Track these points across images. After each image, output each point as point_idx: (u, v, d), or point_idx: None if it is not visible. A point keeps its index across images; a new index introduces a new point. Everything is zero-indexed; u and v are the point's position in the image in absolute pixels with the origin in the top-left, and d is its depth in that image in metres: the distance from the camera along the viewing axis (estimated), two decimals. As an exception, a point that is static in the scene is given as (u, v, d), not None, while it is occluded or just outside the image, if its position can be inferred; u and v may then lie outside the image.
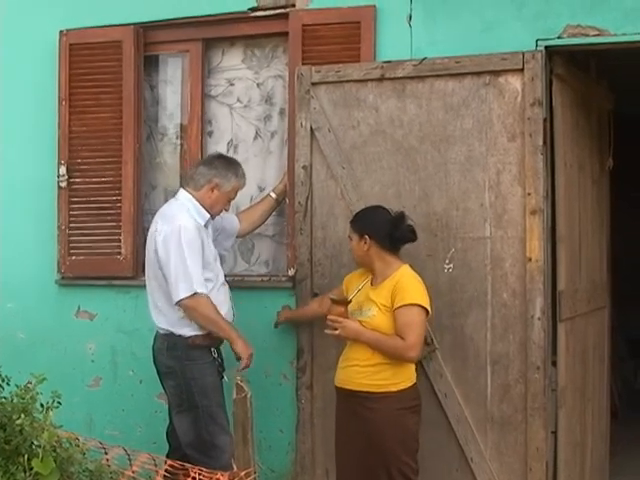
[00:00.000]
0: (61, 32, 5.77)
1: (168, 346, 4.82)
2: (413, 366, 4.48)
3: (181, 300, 4.70)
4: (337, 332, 4.44)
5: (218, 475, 3.38)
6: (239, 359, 4.79)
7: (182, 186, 5.02)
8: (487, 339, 4.78)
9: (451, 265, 4.67)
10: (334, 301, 4.50)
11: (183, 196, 4.91)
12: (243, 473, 3.52)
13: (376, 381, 4.38)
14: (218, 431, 4.77)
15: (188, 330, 4.78)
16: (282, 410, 5.31)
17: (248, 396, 3.65)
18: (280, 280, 5.45)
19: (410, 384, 4.45)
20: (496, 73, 4.79)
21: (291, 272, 5.32)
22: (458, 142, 4.87)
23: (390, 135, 4.99)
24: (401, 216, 4.52)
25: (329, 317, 4.46)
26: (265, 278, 5.55)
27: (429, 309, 4.40)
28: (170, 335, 4.81)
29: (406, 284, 4.40)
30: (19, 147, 5.97)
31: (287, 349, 5.29)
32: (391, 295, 4.37)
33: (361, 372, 4.43)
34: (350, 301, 4.50)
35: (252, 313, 5.33)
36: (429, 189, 4.90)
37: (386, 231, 4.47)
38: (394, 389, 4.38)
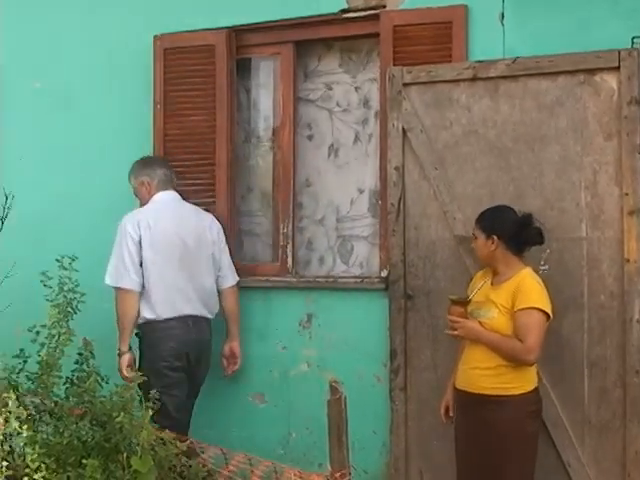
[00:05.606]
0: (155, 37, 5.86)
1: (210, 331, 5.33)
2: (534, 369, 4.36)
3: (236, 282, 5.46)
4: (456, 332, 4.39)
5: (313, 476, 3.40)
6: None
7: (168, 189, 5.41)
8: (584, 341, 4.71)
9: (547, 266, 4.60)
10: (453, 301, 4.43)
11: (179, 197, 5.45)
12: (338, 474, 3.52)
13: (497, 384, 4.28)
14: None
15: None
16: (375, 412, 5.30)
17: (342, 398, 3.64)
18: (373, 282, 5.44)
19: (531, 387, 4.33)
20: (591, 71, 4.73)
21: (384, 273, 5.32)
22: (552, 142, 4.82)
23: (483, 135, 4.96)
24: (529, 217, 4.42)
25: (449, 317, 4.41)
26: (358, 280, 5.55)
27: (549, 313, 4.28)
28: (210, 320, 5.32)
29: (527, 287, 4.30)
30: (116, 150, 6.05)
31: (380, 351, 5.28)
32: (512, 297, 4.28)
33: (482, 375, 4.33)
34: (469, 301, 4.42)
35: (345, 315, 5.37)
36: (523, 189, 4.86)
37: (514, 233, 4.38)
38: (515, 392, 4.28)
